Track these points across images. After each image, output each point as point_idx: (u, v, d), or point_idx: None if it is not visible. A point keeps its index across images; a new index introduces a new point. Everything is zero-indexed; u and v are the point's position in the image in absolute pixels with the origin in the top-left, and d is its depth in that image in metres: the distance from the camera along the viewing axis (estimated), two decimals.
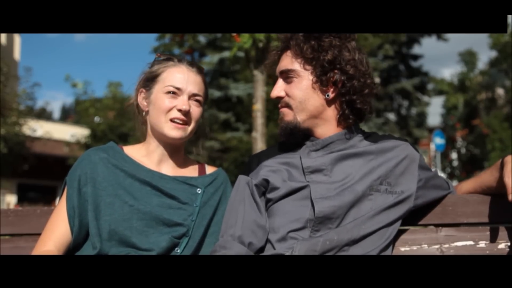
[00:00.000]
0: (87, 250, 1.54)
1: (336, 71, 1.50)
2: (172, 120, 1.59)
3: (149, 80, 1.65)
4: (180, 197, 1.59)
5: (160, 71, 1.64)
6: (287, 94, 1.55)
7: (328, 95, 1.52)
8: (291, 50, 1.55)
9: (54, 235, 1.54)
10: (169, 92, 1.60)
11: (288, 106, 1.55)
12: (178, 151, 1.69)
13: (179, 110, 1.59)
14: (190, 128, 1.62)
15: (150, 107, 1.64)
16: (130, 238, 1.50)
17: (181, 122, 1.60)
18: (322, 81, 1.51)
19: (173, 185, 1.60)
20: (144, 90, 1.66)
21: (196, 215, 1.59)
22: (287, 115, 1.55)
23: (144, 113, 1.67)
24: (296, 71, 1.53)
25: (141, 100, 1.67)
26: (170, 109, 1.59)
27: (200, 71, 1.68)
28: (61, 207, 1.58)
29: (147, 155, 1.66)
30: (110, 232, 1.50)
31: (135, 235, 1.50)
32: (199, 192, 1.63)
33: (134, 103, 1.72)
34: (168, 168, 1.66)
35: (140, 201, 1.55)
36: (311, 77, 1.52)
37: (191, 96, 1.62)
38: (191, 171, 1.70)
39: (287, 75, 1.55)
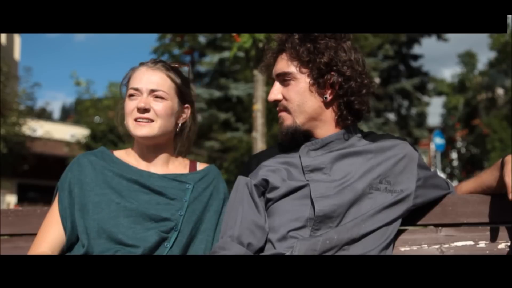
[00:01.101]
0: (77, 249, 1.55)
1: (333, 73, 1.50)
2: (135, 120, 1.62)
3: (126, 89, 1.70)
4: (169, 193, 1.60)
5: (127, 79, 1.68)
6: (284, 97, 1.55)
7: (325, 97, 1.52)
8: (286, 52, 1.55)
9: (48, 238, 1.57)
10: (130, 95, 1.63)
11: (286, 109, 1.55)
12: (163, 149, 1.69)
13: (138, 109, 1.61)
14: (157, 124, 1.61)
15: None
16: (117, 234, 1.51)
17: (143, 120, 1.61)
18: (319, 83, 1.51)
19: (162, 183, 1.62)
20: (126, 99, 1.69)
21: (185, 210, 1.59)
22: (286, 119, 1.55)
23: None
24: (293, 74, 1.53)
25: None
26: (132, 110, 1.62)
27: (164, 67, 1.66)
28: (53, 210, 1.61)
29: (135, 157, 1.69)
30: (99, 231, 1.52)
31: (122, 232, 1.52)
32: (189, 187, 1.63)
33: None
34: (157, 168, 1.67)
35: (127, 198, 1.56)
36: (308, 80, 1.52)
37: (150, 93, 1.62)
38: (181, 169, 1.71)
39: (284, 78, 1.54)
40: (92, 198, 1.56)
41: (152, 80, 1.63)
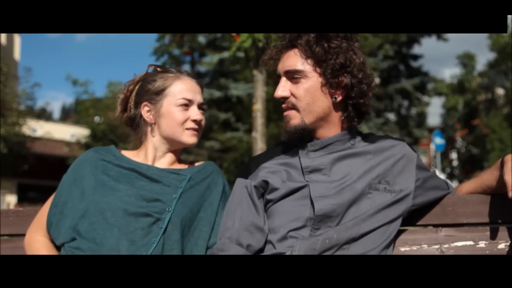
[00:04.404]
0: (68, 233, 1.58)
1: (346, 74, 1.49)
2: (187, 129, 1.68)
3: (154, 94, 1.69)
4: (165, 181, 1.64)
5: (166, 85, 1.69)
6: (293, 95, 1.52)
7: (335, 98, 1.51)
8: (298, 49, 1.52)
9: (44, 225, 1.65)
10: (182, 105, 1.68)
11: (294, 108, 1.52)
12: (174, 156, 1.74)
13: (194, 121, 1.68)
14: (200, 134, 1.73)
15: (160, 119, 1.69)
16: (105, 211, 1.54)
17: (196, 130, 1.70)
18: (331, 84, 1.49)
19: (160, 173, 1.66)
20: (148, 104, 1.70)
21: (179, 194, 1.62)
22: (294, 118, 1.52)
23: (153, 125, 1.70)
24: (305, 72, 1.50)
25: (146, 114, 1.70)
26: (186, 120, 1.68)
27: (198, 80, 1.76)
28: (51, 199, 1.67)
29: (145, 156, 1.71)
30: (91, 210, 1.56)
31: (113, 210, 1.55)
32: (185, 178, 1.67)
33: (127, 116, 1.76)
34: (161, 165, 1.71)
35: (122, 182, 1.61)
36: (320, 79, 1.50)
37: (199, 106, 1.71)
38: (181, 166, 1.75)
39: (294, 75, 1.52)
40: (89, 183, 1.61)
41: (199, 93, 1.73)
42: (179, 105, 1.67)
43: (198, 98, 1.71)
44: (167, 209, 1.57)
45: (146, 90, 1.70)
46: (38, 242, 1.62)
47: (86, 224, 1.54)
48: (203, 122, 1.72)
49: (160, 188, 1.61)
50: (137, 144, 1.76)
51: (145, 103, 1.70)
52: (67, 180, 1.66)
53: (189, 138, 1.69)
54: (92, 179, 1.61)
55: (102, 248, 1.50)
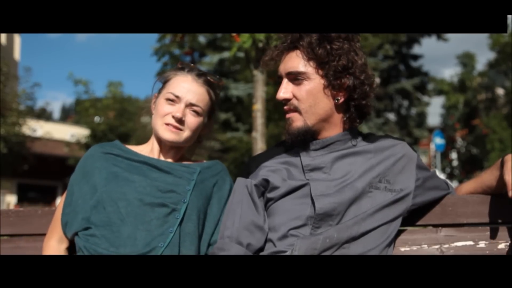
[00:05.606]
0: (79, 223, 1.58)
1: (348, 76, 1.49)
2: (166, 124, 1.66)
3: (161, 86, 1.74)
4: (176, 173, 1.64)
5: (169, 78, 1.72)
6: (295, 97, 1.52)
7: (337, 100, 1.51)
8: (300, 51, 1.52)
9: (58, 228, 1.64)
10: (168, 99, 1.67)
11: (296, 110, 1.52)
12: (179, 150, 1.74)
13: (173, 117, 1.65)
14: (185, 134, 1.67)
15: (154, 110, 1.72)
16: (121, 201, 1.55)
17: (174, 127, 1.66)
18: (334, 85, 1.49)
19: (170, 166, 1.66)
20: (156, 94, 1.75)
21: (192, 186, 1.63)
22: (297, 120, 1.52)
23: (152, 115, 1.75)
24: (307, 74, 1.50)
25: (152, 104, 1.75)
26: (166, 115, 1.66)
27: (206, 82, 1.72)
28: (63, 200, 1.67)
29: (151, 150, 1.72)
30: (105, 200, 1.56)
31: (129, 200, 1.55)
32: (195, 171, 1.68)
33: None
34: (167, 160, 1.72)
35: (135, 174, 1.61)
36: (322, 81, 1.50)
37: (189, 105, 1.67)
38: (188, 162, 1.75)
39: (296, 77, 1.52)
40: (101, 176, 1.61)
41: (194, 93, 1.68)
42: (165, 98, 1.67)
43: (190, 97, 1.66)
44: (182, 200, 1.59)
45: (158, 82, 1.77)
46: (48, 249, 1.63)
47: (101, 214, 1.55)
48: (189, 123, 1.66)
49: (173, 180, 1.62)
50: (146, 137, 1.77)
51: (155, 93, 1.75)
52: (76, 178, 1.66)
53: (164, 132, 1.65)
54: (103, 172, 1.61)
55: (119, 237, 1.51)
